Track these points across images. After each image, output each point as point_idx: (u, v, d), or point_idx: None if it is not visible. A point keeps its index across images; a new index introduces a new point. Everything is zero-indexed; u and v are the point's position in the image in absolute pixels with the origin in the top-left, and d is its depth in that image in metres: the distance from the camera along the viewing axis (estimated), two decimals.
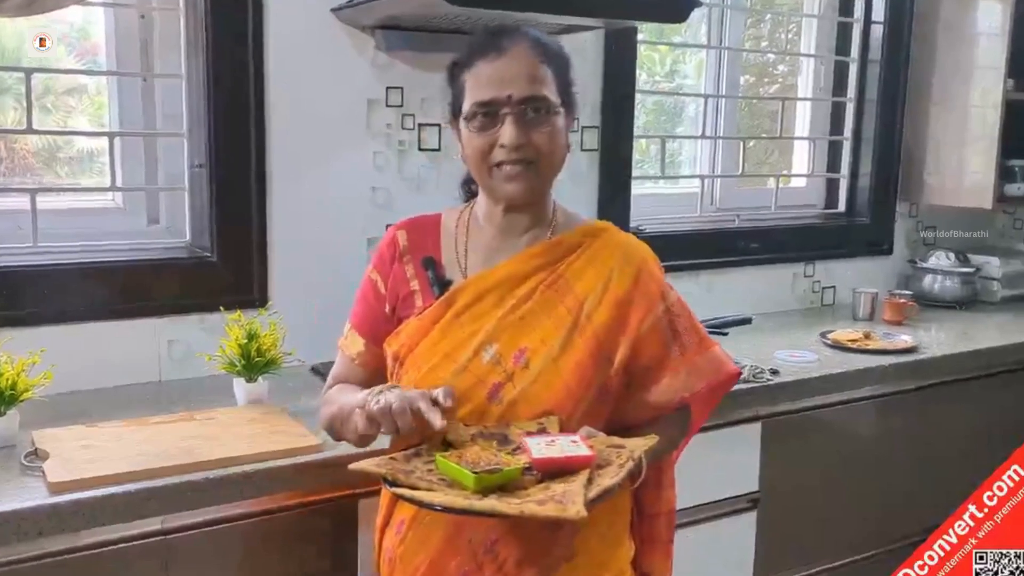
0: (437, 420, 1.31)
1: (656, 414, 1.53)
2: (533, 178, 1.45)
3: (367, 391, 1.40)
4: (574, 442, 1.33)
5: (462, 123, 1.47)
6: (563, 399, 1.43)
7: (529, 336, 1.46)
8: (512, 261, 1.50)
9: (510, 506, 1.22)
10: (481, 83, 1.43)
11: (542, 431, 1.39)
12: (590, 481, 1.27)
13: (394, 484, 1.30)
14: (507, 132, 1.41)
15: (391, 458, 1.36)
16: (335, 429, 1.53)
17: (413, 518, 1.47)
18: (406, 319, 1.53)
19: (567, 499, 1.22)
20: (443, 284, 1.51)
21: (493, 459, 1.31)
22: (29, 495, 1.52)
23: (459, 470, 1.28)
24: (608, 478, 1.28)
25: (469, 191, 1.61)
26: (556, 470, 1.30)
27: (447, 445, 1.38)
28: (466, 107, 1.45)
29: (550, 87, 1.44)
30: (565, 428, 1.41)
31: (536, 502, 1.23)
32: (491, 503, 1.23)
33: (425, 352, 1.47)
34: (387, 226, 1.68)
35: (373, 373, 1.59)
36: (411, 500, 1.29)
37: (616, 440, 1.38)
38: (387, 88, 2.37)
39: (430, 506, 1.27)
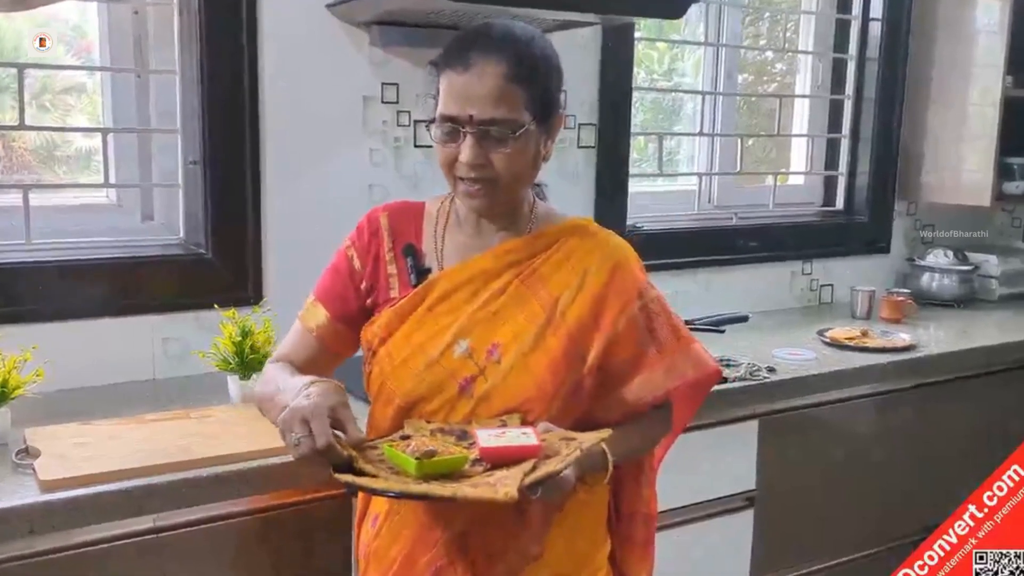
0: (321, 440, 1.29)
1: (632, 412, 1.50)
2: (492, 193, 1.42)
3: (299, 387, 1.36)
4: (524, 434, 1.33)
5: (432, 127, 1.44)
6: (535, 395, 1.42)
7: (502, 331, 1.45)
8: (487, 255, 1.49)
9: (444, 489, 1.24)
10: (446, 97, 1.40)
11: (503, 427, 1.38)
12: (534, 470, 1.27)
13: (340, 470, 1.30)
14: (465, 151, 1.38)
15: (347, 444, 1.35)
16: (263, 411, 1.50)
17: (387, 513, 1.48)
18: (381, 303, 1.51)
19: (500, 483, 1.24)
20: (421, 273, 1.50)
21: (438, 447, 1.32)
22: (20, 493, 1.51)
23: (402, 456, 1.29)
24: (550, 466, 1.27)
25: None
26: (503, 460, 1.30)
27: (406, 439, 1.38)
28: (436, 114, 1.42)
29: (517, 107, 1.38)
30: (528, 426, 1.40)
31: (470, 486, 1.25)
32: (426, 487, 1.24)
33: (398, 344, 1.46)
34: None
35: (327, 349, 1.55)
36: (351, 484, 1.29)
37: (570, 433, 1.38)
38: (383, 84, 2.36)
39: (368, 489, 1.29)
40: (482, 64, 1.37)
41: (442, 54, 1.43)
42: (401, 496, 1.26)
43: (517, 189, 1.47)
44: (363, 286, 1.53)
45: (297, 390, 1.36)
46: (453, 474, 1.29)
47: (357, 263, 1.54)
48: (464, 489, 1.24)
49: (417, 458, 1.27)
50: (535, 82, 1.40)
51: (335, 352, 1.56)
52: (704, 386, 1.58)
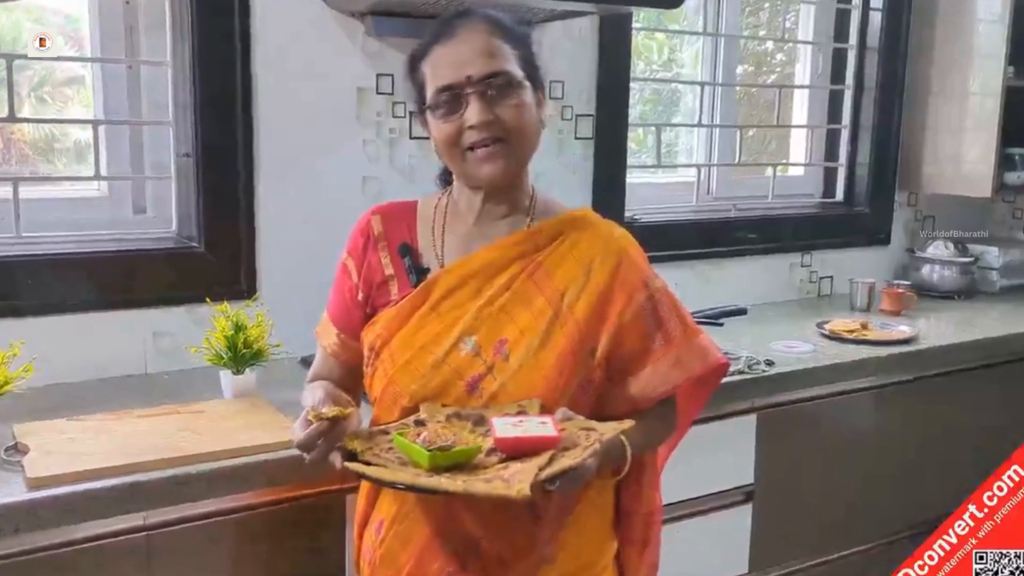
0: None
1: (638, 407, 1.48)
2: (507, 156, 1.40)
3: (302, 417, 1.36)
4: (543, 423, 1.29)
5: (428, 113, 1.43)
6: (544, 392, 1.39)
7: (509, 328, 1.42)
8: (490, 249, 1.46)
9: (455, 483, 1.20)
10: (439, 69, 1.40)
11: (521, 413, 1.35)
12: (552, 462, 1.23)
13: (350, 459, 1.28)
14: (472, 111, 1.37)
15: (354, 433, 1.34)
16: None
17: (393, 518, 1.44)
18: (381, 307, 1.49)
19: (515, 478, 1.19)
20: (420, 272, 1.48)
21: (451, 437, 1.28)
22: (7, 490, 1.48)
23: (414, 448, 1.25)
24: (569, 459, 1.23)
25: (446, 182, 1.57)
26: (518, 450, 1.26)
27: (420, 424, 1.35)
28: (429, 96, 1.41)
29: (510, 62, 1.40)
30: (547, 414, 1.37)
31: (484, 480, 1.21)
32: (436, 480, 1.21)
33: (401, 344, 1.44)
34: None
35: (346, 364, 1.56)
36: (362, 475, 1.27)
37: (590, 423, 1.34)
38: (377, 75, 2.34)
39: (377, 481, 1.26)
40: (467, 27, 1.41)
41: (421, 43, 1.45)
42: (410, 489, 1.23)
43: (526, 151, 1.45)
44: (360, 297, 1.52)
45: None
46: (466, 465, 1.25)
47: (354, 274, 1.53)
48: (476, 484, 1.20)
49: (430, 450, 1.24)
50: (518, 41, 1.44)
51: (354, 365, 1.54)
52: (709, 379, 1.55)
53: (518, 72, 1.41)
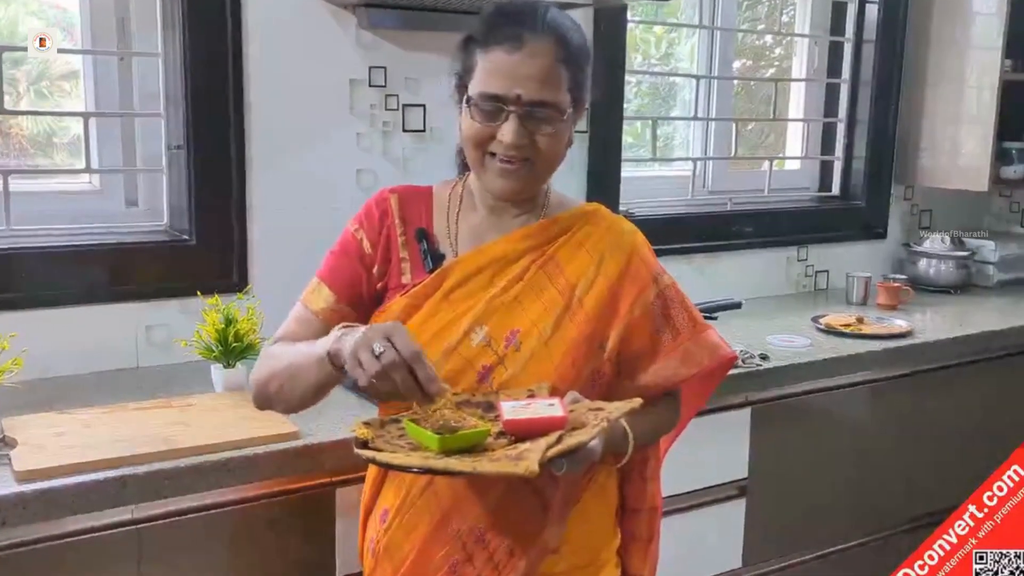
0: (434, 388, 1.24)
1: (645, 397, 1.47)
2: (527, 175, 1.41)
3: (332, 335, 1.30)
4: (551, 405, 1.30)
5: (465, 104, 1.41)
6: (554, 383, 1.40)
7: (520, 319, 1.43)
8: (503, 241, 1.47)
9: (463, 463, 1.21)
10: (492, 74, 1.37)
11: (531, 397, 1.36)
12: (558, 442, 1.24)
13: (363, 447, 1.29)
14: (508, 130, 1.36)
15: (365, 423, 1.34)
16: (275, 386, 1.41)
17: (398, 507, 1.44)
18: (392, 290, 1.48)
19: (522, 456, 1.21)
20: (436, 258, 1.47)
21: (461, 422, 1.29)
22: None
23: (424, 432, 1.26)
24: (575, 438, 1.24)
25: (464, 162, 1.54)
26: (527, 432, 1.27)
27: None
28: (472, 91, 1.39)
29: (562, 90, 1.38)
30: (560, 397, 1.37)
31: (491, 459, 1.22)
32: (446, 461, 1.22)
33: (414, 331, 1.41)
34: None
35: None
36: (373, 461, 1.28)
37: (598, 403, 1.35)
38: (370, 68, 2.33)
39: (388, 465, 1.27)
40: (534, 44, 1.36)
41: (484, 30, 1.40)
42: (423, 471, 1.24)
43: (550, 173, 1.46)
44: (375, 270, 1.50)
45: (351, 331, 1.29)
46: (476, 448, 1.26)
47: (367, 245, 1.50)
48: (483, 464, 1.21)
49: (438, 433, 1.25)
50: (578, 66, 1.41)
51: None
52: (716, 373, 1.57)
53: (566, 103, 1.39)
